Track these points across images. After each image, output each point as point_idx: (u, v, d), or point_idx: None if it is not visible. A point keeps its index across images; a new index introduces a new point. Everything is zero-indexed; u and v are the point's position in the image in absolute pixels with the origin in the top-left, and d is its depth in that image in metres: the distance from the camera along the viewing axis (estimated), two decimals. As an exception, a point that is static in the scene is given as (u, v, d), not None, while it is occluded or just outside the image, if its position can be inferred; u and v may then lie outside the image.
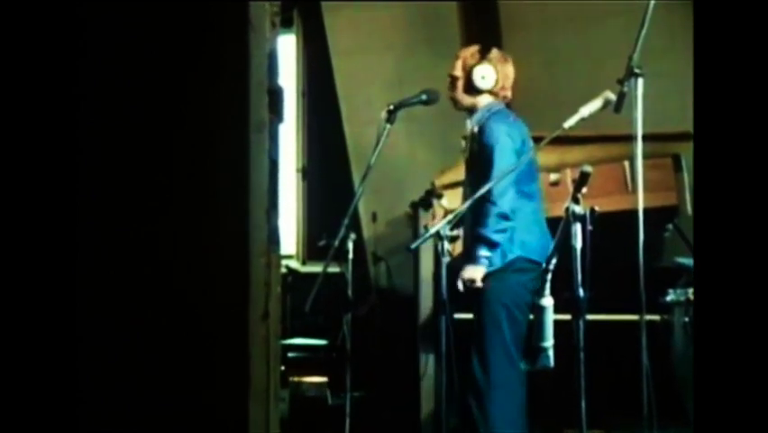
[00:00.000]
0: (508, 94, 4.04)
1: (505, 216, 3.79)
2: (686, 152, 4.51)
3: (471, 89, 3.97)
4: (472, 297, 3.86)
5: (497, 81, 3.95)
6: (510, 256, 3.84)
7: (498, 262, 3.83)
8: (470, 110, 4.02)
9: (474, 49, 4.05)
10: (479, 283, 3.79)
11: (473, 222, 3.84)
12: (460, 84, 4.00)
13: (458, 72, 4.01)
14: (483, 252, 3.78)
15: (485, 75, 3.94)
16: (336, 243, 3.69)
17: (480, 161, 3.90)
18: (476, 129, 3.95)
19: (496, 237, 3.78)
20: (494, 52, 4.02)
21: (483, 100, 3.99)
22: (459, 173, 4.68)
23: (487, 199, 3.72)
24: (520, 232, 3.86)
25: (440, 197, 4.39)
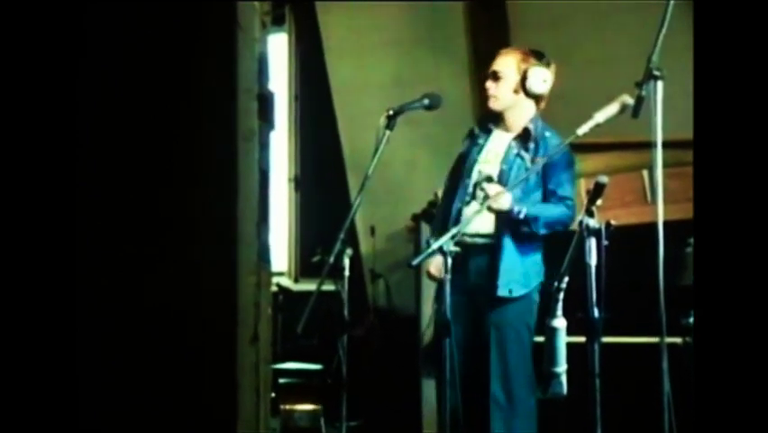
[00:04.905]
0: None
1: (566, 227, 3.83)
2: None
3: (523, 91, 3.92)
4: (485, 318, 3.88)
5: (548, 89, 3.94)
6: (537, 280, 3.90)
7: (530, 285, 3.87)
8: (500, 114, 3.99)
9: (525, 49, 3.98)
10: (503, 206, 3.75)
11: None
12: (507, 82, 3.93)
13: (506, 69, 3.94)
14: (522, 211, 3.75)
15: (546, 79, 3.91)
16: (331, 259, 3.68)
17: (552, 166, 3.83)
18: (546, 133, 3.91)
19: (543, 233, 3.81)
20: (548, 58, 3.95)
21: (526, 105, 3.95)
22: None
23: (565, 204, 3.79)
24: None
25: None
